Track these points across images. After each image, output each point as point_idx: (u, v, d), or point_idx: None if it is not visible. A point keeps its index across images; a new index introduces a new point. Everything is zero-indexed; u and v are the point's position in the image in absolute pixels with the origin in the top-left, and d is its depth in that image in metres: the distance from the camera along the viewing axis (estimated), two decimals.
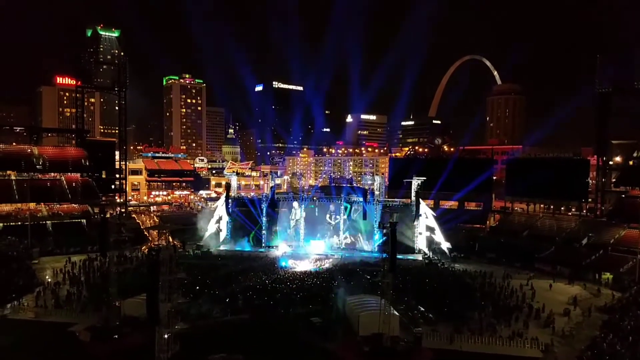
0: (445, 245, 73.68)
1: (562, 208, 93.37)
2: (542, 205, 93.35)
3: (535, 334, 41.09)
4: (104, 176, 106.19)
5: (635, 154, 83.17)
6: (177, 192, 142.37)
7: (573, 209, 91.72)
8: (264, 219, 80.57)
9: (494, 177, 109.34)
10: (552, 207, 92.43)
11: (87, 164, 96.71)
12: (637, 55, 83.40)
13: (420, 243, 75.78)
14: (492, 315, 45.22)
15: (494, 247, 77.03)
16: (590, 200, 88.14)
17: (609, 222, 76.38)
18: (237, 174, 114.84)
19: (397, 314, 40.88)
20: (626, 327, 40.90)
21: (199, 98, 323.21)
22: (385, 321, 37.58)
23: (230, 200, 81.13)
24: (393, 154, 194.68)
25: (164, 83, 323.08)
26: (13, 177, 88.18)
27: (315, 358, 37.45)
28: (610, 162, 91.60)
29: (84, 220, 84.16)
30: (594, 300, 52.76)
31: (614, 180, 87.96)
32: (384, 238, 39.45)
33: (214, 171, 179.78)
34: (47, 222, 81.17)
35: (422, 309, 46.33)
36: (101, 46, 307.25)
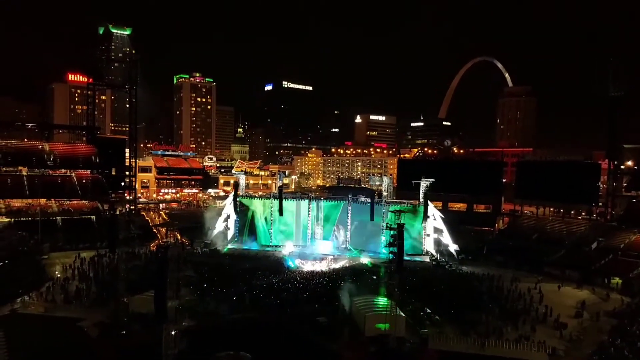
0: (453, 248, 73.30)
1: (572, 212, 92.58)
2: (551, 209, 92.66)
3: (542, 337, 40.83)
4: (113, 173, 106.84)
5: None
6: (186, 190, 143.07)
7: (583, 213, 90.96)
8: (271, 219, 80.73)
9: (504, 180, 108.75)
10: (561, 210, 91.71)
11: (98, 161, 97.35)
12: None
13: (428, 245, 75.52)
14: (499, 318, 45.01)
15: (503, 250, 76.46)
16: (600, 204, 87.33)
17: (619, 226, 75.69)
18: (246, 173, 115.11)
19: (403, 315, 40.83)
20: (635, 332, 40.56)
21: (209, 97, 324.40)
22: (392, 322, 37.55)
23: (238, 199, 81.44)
24: (402, 155, 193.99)
25: (175, 81, 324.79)
26: (24, 173, 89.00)
27: (320, 358, 37.50)
28: (622, 166, 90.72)
29: (93, 217, 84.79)
30: (603, 304, 52.29)
31: (625, 184, 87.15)
32: (391, 239, 39.33)
33: (222, 170, 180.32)
34: (57, 218, 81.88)
35: (428, 310, 46.19)
36: (113, 44, 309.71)
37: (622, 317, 46.41)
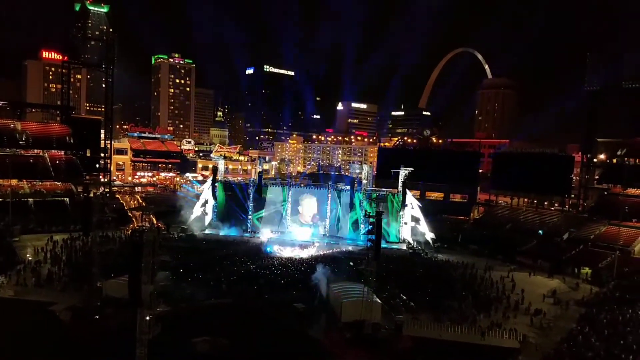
0: (430, 236, 74.30)
1: (545, 203, 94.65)
2: (525, 200, 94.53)
3: (513, 325, 41.85)
4: (88, 155, 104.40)
5: (619, 152, 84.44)
6: (163, 174, 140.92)
7: (556, 204, 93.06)
8: (250, 205, 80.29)
9: (480, 170, 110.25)
10: (535, 201, 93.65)
11: (72, 141, 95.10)
12: (627, 55, 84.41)
13: (405, 233, 76.30)
14: (473, 306, 45.85)
15: (477, 239, 77.97)
16: (573, 196, 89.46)
17: (590, 218, 77.81)
18: (225, 157, 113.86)
19: (379, 301, 41.24)
20: (602, 320, 41.82)
21: (188, 79, 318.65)
22: (368, 308, 37.91)
23: (216, 184, 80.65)
24: (382, 144, 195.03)
25: (153, 62, 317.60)
26: None
27: (297, 343, 37.67)
28: (595, 160, 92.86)
29: (67, 199, 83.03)
30: (572, 293, 53.80)
31: (597, 177, 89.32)
32: (369, 227, 39.50)
33: (201, 154, 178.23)
34: (29, 199, 79.92)
35: (404, 297, 46.79)
36: (89, 21, 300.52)
37: (590, 306, 47.74)
